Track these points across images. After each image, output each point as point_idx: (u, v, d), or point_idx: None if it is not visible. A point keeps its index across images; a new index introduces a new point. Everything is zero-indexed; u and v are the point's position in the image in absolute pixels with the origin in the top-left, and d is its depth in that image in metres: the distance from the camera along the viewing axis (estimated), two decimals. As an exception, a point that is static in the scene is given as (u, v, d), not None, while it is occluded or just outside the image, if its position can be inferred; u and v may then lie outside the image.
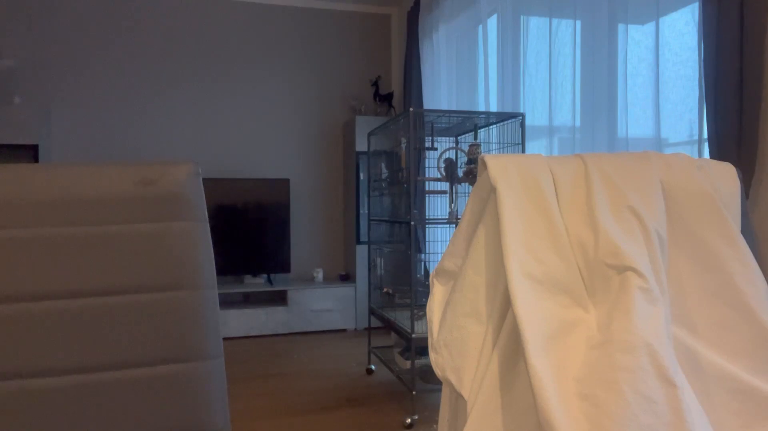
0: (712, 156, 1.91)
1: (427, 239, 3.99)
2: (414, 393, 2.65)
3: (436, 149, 3.18)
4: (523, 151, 2.75)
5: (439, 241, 3.78)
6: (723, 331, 1.10)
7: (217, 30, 4.79)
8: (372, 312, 3.36)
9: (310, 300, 4.61)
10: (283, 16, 4.95)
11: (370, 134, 3.53)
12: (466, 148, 3.19)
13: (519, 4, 3.13)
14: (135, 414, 0.87)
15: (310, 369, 3.59)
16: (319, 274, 4.86)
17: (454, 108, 3.97)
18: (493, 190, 1.16)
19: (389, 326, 2.99)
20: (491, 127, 3.03)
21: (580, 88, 2.62)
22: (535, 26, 3.01)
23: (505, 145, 2.88)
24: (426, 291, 3.44)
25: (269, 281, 4.77)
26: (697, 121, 2.10)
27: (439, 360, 1.20)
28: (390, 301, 3.42)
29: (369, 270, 3.52)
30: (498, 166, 1.17)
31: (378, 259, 3.65)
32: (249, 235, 4.65)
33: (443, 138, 3.41)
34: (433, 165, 3.10)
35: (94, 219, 0.88)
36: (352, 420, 2.71)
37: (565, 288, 1.08)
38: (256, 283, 4.71)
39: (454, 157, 2.90)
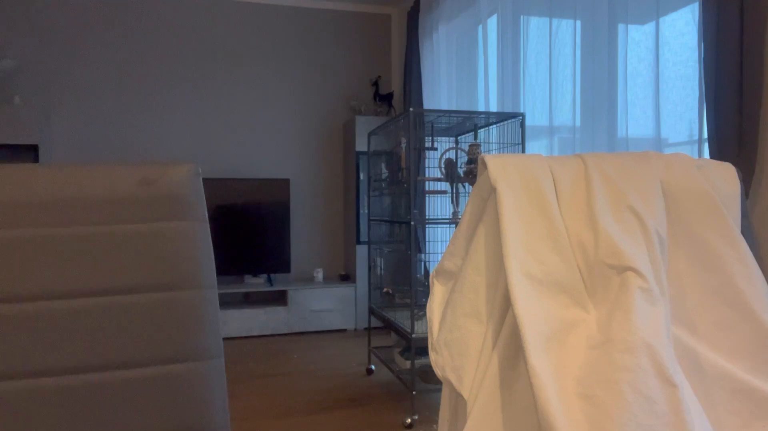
0: (712, 156, 1.91)
1: (427, 239, 3.99)
2: (414, 393, 2.65)
3: (436, 149, 3.18)
4: (523, 151, 2.75)
5: (439, 241, 3.78)
6: (723, 331, 1.10)
7: (217, 30, 4.79)
8: (372, 312, 3.36)
9: (310, 300, 4.61)
10: (283, 16, 4.95)
11: (370, 134, 3.53)
12: (466, 147, 3.19)
13: (519, 4, 3.13)
14: (135, 414, 0.87)
15: (310, 369, 3.59)
16: (319, 274, 4.86)
17: (454, 108, 3.97)
18: (493, 190, 1.16)
19: (389, 326, 2.99)
20: (491, 127, 3.03)
21: (580, 88, 2.62)
22: (535, 26, 3.01)
23: (505, 145, 2.88)
24: (426, 291, 3.44)
25: (269, 281, 4.77)
26: (697, 121, 2.10)
27: (439, 360, 1.20)
28: (390, 301, 3.42)
29: (369, 270, 3.52)
30: (498, 166, 1.17)
31: (378, 259, 3.65)
32: (249, 235, 4.65)
33: (443, 138, 3.41)
34: (433, 165, 3.10)
35: (95, 220, 0.88)
36: (352, 420, 2.71)
37: (565, 288, 1.08)
38: (256, 283, 4.71)
39: (454, 157, 2.90)
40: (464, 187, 2.95)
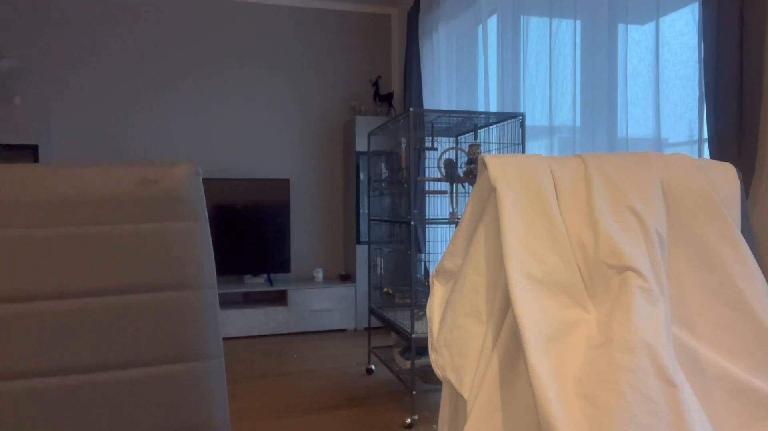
0: (712, 156, 1.91)
1: (427, 239, 3.99)
2: (414, 393, 2.65)
3: (436, 149, 3.18)
4: (523, 151, 2.75)
5: (439, 241, 3.78)
6: (723, 331, 1.10)
7: (217, 30, 4.79)
8: (372, 312, 3.36)
9: (310, 300, 4.61)
10: (283, 16, 4.95)
11: (370, 134, 3.53)
12: (466, 148, 3.19)
13: (519, 4, 3.13)
14: (135, 414, 0.87)
15: (310, 369, 3.59)
16: (319, 274, 4.86)
17: (454, 108, 3.97)
18: (493, 190, 1.16)
19: (389, 326, 2.99)
20: (491, 127, 3.03)
21: (580, 88, 2.62)
22: (535, 26, 3.01)
23: (505, 145, 2.88)
24: (426, 291, 3.44)
25: (269, 281, 4.77)
26: (697, 121, 2.10)
27: (439, 360, 1.20)
28: (390, 301, 3.42)
29: (369, 270, 3.52)
30: (498, 166, 1.17)
31: (378, 259, 3.65)
32: (249, 235, 4.65)
33: (443, 138, 3.41)
34: (433, 165, 3.10)
35: (95, 220, 0.88)
36: (352, 420, 2.71)
37: (565, 288, 1.08)
38: (256, 283, 4.71)
39: (454, 157, 2.90)
40: (464, 187, 2.95)
